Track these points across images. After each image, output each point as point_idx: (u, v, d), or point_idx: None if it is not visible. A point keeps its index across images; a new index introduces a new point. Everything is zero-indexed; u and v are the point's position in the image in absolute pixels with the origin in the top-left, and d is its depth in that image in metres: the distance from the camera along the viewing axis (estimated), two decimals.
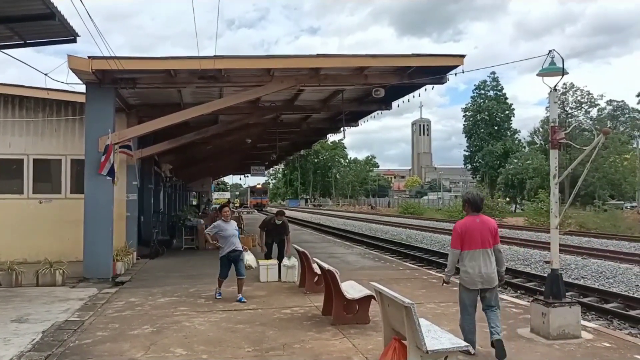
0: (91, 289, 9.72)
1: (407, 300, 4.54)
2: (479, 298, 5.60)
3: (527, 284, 11.88)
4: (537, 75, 6.82)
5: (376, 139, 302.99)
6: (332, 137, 24.24)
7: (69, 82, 10.86)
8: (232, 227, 8.68)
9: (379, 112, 16.99)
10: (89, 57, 10.42)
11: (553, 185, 6.62)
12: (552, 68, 6.70)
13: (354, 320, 6.92)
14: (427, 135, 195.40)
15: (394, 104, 16.00)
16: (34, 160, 13.87)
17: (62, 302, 8.52)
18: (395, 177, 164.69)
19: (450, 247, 5.76)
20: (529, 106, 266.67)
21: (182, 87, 12.08)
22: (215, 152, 24.14)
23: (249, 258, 9.10)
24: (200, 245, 17.49)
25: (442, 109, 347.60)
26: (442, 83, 12.45)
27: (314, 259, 8.87)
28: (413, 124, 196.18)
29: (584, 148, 6.67)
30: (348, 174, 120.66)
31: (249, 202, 77.28)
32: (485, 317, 5.65)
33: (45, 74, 10.28)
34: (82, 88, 11.40)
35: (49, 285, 10.02)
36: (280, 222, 11.30)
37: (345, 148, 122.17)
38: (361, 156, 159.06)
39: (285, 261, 10.68)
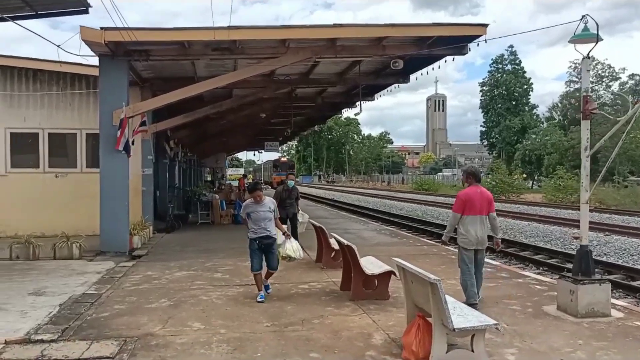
0: (108, 263, 9.70)
1: (433, 276, 4.35)
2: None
3: (550, 261, 11.62)
4: (569, 42, 6.45)
5: (390, 115, 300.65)
6: (346, 112, 23.78)
7: (81, 54, 10.59)
8: (264, 208, 6.90)
9: (396, 85, 16.61)
10: (102, 28, 10.21)
11: (584, 158, 6.32)
12: (586, 34, 6.32)
13: (374, 296, 6.77)
14: (443, 111, 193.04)
15: (412, 76, 15.59)
16: (49, 134, 13.81)
17: (80, 275, 8.50)
18: (409, 154, 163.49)
19: (452, 211, 6.65)
20: (547, 81, 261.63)
21: (196, 59, 11.83)
22: (229, 127, 23.98)
23: (289, 247, 7.26)
24: (216, 220, 17.49)
25: (458, 85, 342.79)
26: (464, 54, 12.05)
27: (332, 234, 8.69)
28: (428, 99, 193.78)
29: (619, 119, 6.35)
30: (362, 150, 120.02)
31: (271, 179, 58.10)
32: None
33: (58, 46, 10.09)
34: (95, 61, 11.24)
35: (66, 259, 10.03)
36: (292, 184, 11.36)
37: (359, 124, 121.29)
38: (375, 132, 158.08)
39: (299, 218, 11.46)
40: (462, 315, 4.58)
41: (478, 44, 11.56)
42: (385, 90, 17.88)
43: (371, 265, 7.06)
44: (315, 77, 15.38)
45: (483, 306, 6.36)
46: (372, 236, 13.86)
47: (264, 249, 6.93)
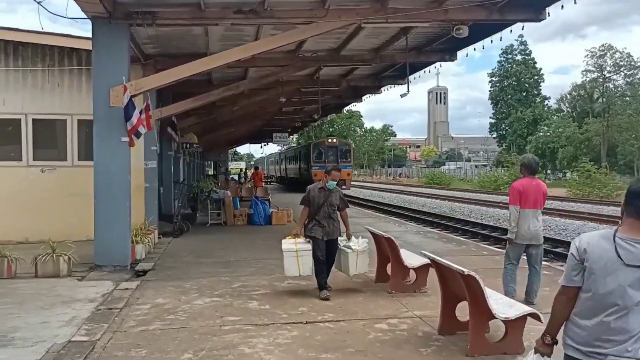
0: (105, 283, 7.47)
1: None
2: (524, 255, 6.29)
3: None
4: None
5: (390, 108, 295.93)
6: (367, 99, 21.28)
7: (70, 16, 8.34)
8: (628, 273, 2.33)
9: (439, 64, 14.43)
10: None
11: None
12: None
13: (502, 349, 4.55)
14: (444, 103, 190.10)
15: (461, 53, 13.40)
16: (34, 120, 11.52)
17: (66, 305, 6.27)
18: (410, 147, 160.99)
19: (510, 205, 6.19)
20: (545, 75, 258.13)
21: (214, 24, 9.52)
22: (239, 115, 21.74)
23: None
24: (229, 220, 15.26)
25: (457, 78, 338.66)
26: (540, 20, 9.96)
27: (425, 252, 6.37)
28: (429, 92, 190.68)
29: None
30: (364, 144, 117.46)
31: (308, 174, 32.61)
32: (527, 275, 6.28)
33: (39, 2, 7.91)
34: (89, 29, 8.97)
35: (50, 277, 7.78)
36: (333, 185, 6.81)
37: (362, 117, 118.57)
38: (376, 126, 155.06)
39: (351, 244, 6.88)
40: None
41: (562, 7, 9.49)
42: (422, 71, 15.68)
43: (496, 298, 4.80)
44: (347, 53, 13.12)
45: None
46: (421, 242, 11.63)
47: None
